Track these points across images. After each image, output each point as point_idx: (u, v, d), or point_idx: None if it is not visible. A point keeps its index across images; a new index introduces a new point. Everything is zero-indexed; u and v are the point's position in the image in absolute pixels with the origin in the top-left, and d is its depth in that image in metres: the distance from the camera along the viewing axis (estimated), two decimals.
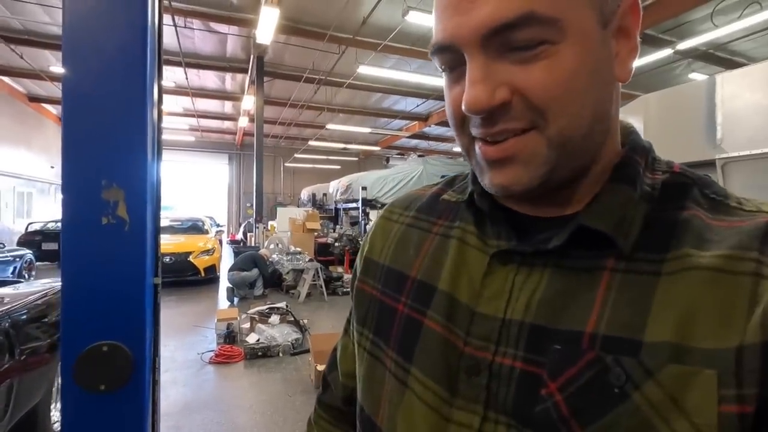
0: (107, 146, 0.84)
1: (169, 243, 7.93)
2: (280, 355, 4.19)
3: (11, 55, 9.07)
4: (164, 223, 9.69)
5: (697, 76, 8.98)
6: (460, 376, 0.38)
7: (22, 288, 2.79)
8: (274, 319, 4.59)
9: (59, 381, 2.56)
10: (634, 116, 3.51)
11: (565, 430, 0.32)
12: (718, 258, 0.32)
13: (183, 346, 4.50)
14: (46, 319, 2.42)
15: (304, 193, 16.26)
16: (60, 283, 0.78)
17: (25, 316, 2.21)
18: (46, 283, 2.83)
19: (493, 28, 0.32)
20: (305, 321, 4.82)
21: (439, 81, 9.54)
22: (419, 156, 16.35)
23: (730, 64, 8.43)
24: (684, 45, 7.18)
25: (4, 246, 7.76)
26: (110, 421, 0.86)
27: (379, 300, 0.49)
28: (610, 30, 0.35)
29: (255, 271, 6.87)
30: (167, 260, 7.53)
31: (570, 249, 0.36)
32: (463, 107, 0.35)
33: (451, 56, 0.36)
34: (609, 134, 0.39)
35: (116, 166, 0.84)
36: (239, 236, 15.63)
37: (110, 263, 0.85)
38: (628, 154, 0.40)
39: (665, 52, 7.68)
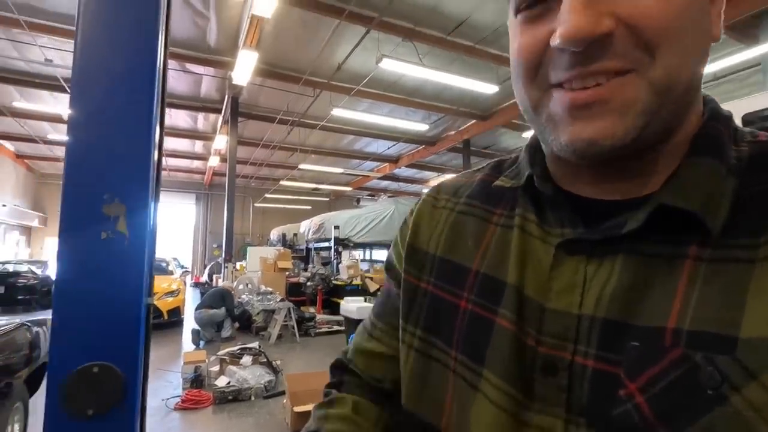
0: (111, 161, 0.85)
1: None
2: (252, 398, 3.96)
3: None
4: None
5: None
6: (535, 377, 0.35)
7: None
8: (246, 360, 4.38)
9: (14, 429, 2.32)
10: None
11: None
12: None
13: None
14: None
15: (274, 234, 16.01)
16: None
17: None
18: None
19: None
20: (278, 362, 4.63)
21: (410, 125, 9.93)
22: (389, 197, 16.63)
23: None
24: None
25: None
26: None
27: (431, 293, 0.45)
28: None
29: (223, 310, 6.59)
30: None
31: (645, 234, 0.33)
32: (557, 40, 0.31)
33: None
34: (697, 97, 0.35)
35: (120, 181, 0.85)
36: (204, 278, 15.03)
37: (107, 278, 0.83)
38: (710, 123, 0.36)
39: None
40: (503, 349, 0.37)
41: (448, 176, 0.57)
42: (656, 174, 0.35)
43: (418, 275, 0.47)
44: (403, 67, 6.74)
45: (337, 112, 8.86)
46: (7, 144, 13.58)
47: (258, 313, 7.02)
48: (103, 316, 0.83)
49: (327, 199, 21.94)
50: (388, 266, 0.55)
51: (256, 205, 20.30)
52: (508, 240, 0.41)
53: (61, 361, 0.78)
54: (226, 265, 9.20)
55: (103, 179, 0.84)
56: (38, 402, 2.71)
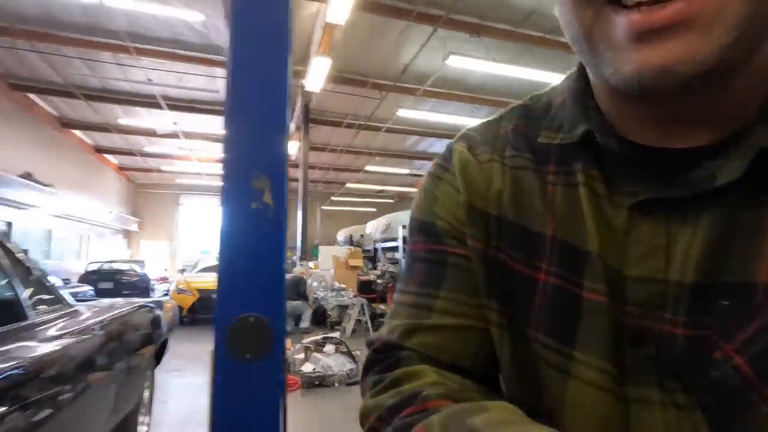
0: (258, 144, 1.00)
1: (213, 281, 8.19)
2: (336, 384, 4.18)
3: (86, 111, 10.12)
4: (211, 263, 10.04)
5: None
6: (625, 349, 0.32)
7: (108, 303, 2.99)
8: (329, 348, 4.63)
9: (145, 395, 2.69)
10: None
11: (756, 395, 0.27)
12: None
13: None
14: (138, 332, 2.58)
15: (341, 235, 16.55)
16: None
17: (127, 324, 2.39)
18: (130, 300, 3.03)
19: None
20: (358, 353, 4.82)
21: (475, 122, 9.77)
22: None
23: None
24: None
25: (70, 281, 8.33)
26: (253, 388, 0.94)
27: (501, 262, 0.39)
28: None
29: (303, 303, 6.99)
30: (214, 296, 7.75)
31: (733, 184, 0.28)
32: None
33: None
34: None
35: (263, 160, 0.99)
36: None
37: (257, 242, 0.98)
38: None
39: None
40: (598, 324, 0.33)
41: None
42: (739, 110, 0.29)
43: (485, 239, 0.40)
44: (471, 62, 6.71)
45: (402, 113, 9.02)
46: (111, 158, 15.44)
47: (332, 309, 7.33)
48: (256, 274, 0.98)
49: (392, 201, 22.24)
50: (430, 230, 0.43)
51: (322, 208, 21.13)
52: (575, 201, 0.36)
53: (225, 311, 0.94)
54: (301, 263, 9.73)
55: (252, 158, 1.00)
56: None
